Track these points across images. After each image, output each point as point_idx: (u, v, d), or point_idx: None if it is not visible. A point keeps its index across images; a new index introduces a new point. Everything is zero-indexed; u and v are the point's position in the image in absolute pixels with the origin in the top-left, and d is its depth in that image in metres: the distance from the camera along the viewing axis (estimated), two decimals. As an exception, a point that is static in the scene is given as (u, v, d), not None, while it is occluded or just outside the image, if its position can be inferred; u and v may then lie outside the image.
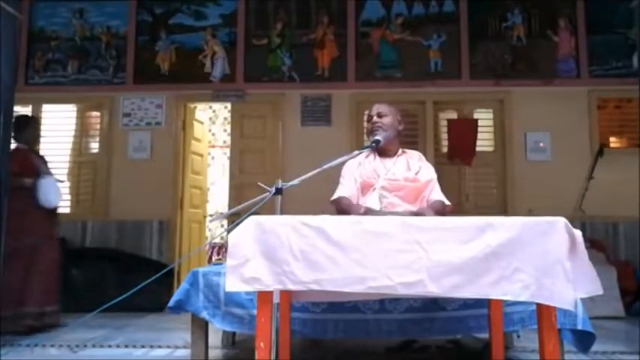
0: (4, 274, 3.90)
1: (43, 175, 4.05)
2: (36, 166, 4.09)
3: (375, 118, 2.81)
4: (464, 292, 1.74)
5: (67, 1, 6.01)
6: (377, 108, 2.85)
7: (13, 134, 4.11)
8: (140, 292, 2.25)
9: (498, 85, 5.63)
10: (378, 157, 2.81)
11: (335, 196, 2.78)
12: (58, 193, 4.13)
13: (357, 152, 2.54)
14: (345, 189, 2.77)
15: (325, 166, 2.17)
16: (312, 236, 1.76)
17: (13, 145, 4.14)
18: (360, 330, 2.67)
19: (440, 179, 2.84)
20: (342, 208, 2.67)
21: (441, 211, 2.61)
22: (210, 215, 6.86)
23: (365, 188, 2.71)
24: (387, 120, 2.79)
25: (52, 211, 4.13)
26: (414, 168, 2.77)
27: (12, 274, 3.85)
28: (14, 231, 3.94)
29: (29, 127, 4.24)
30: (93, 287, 4.73)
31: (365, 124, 3.00)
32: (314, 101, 5.69)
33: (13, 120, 4.31)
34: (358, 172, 2.77)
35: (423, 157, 2.91)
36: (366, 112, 2.99)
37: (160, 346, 3.44)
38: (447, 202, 2.73)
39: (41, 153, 4.52)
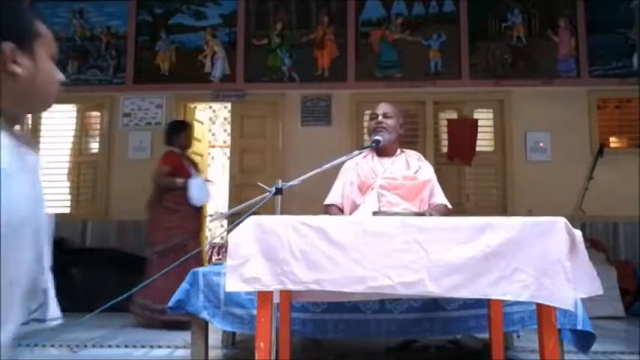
0: (156, 270, 3.99)
1: (194, 175, 4.27)
2: (187, 168, 4.32)
3: (380, 118, 2.79)
4: (464, 292, 1.74)
5: (67, 1, 6.01)
6: (383, 108, 2.83)
7: (167, 139, 4.46)
8: (140, 292, 2.25)
9: (498, 85, 5.63)
10: (376, 157, 2.81)
11: (327, 202, 2.82)
12: (207, 193, 4.32)
13: (357, 152, 2.54)
14: (335, 195, 2.81)
15: (325, 166, 2.17)
16: (312, 236, 1.77)
17: (166, 149, 4.46)
18: (360, 330, 2.67)
19: (440, 179, 2.85)
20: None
21: (445, 215, 2.61)
22: (210, 215, 6.86)
23: (363, 188, 2.71)
24: (391, 122, 2.79)
25: (199, 210, 4.32)
26: (413, 167, 2.77)
27: (163, 269, 4.03)
28: (166, 228, 4.10)
29: (182, 132, 4.46)
30: (93, 287, 4.73)
31: (367, 122, 2.97)
32: (314, 101, 5.69)
33: (167, 125, 4.65)
34: (355, 173, 2.76)
35: (422, 157, 2.91)
36: (367, 112, 2.99)
37: (160, 346, 3.44)
38: (449, 205, 2.75)
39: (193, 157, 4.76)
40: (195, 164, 4.54)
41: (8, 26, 0.96)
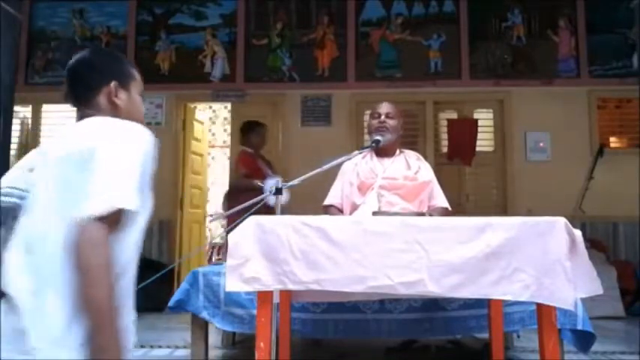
0: None
1: (270, 176, 4.27)
2: (262, 168, 4.34)
3: (383, 117, 2.78)
4: (464, 292, 1.74)
5: (67, 1, 6.01)
6: (386, 107, 2.81)
7: (241, 139, 4.56)
8: (140, 292, 2.25)
9: (498, 85, 5.62)
10: (375, 157, 2.81)
11: (326, 202, 2.82)
12: (285, 193, 4.28)
13: (357, 152, 2.54)
14: (334, 196, 2.80)
15: (325, 166, 2.17)
16: (312, 236, 1.77)
17: (240, 149, 4.54)
18: (360, 330, 2.67)
19: (440, 179, 2.85)
20: None
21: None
22: (210, 215, 6.86)
23: (363, 188, 2.71)
24: (393, 122, 2.78)
25: (273, 210, 4.34)
26: (413, 167, 2.77)
27: None
28: None
29: (255, 132, 4.49)
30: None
31: (367, 120, 2.95)
32: (314, 101, 5.69)
33: (242, 125, 4.63)
34: (354, 173, 2.76)
35: (422, 157, 2.91)
36: (367, 112, 2.98)
37: (160, 346, 3.44)
38: (449, 208, 2.75)
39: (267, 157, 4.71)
40: (269, 163, 4.57)
41: (115, 71, 1.40)
